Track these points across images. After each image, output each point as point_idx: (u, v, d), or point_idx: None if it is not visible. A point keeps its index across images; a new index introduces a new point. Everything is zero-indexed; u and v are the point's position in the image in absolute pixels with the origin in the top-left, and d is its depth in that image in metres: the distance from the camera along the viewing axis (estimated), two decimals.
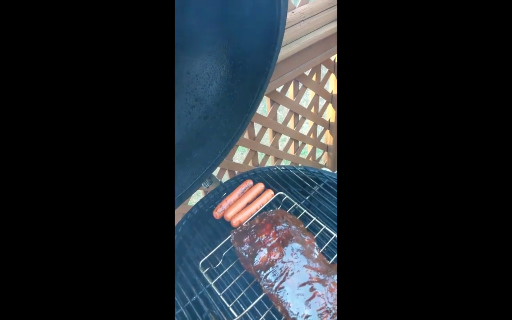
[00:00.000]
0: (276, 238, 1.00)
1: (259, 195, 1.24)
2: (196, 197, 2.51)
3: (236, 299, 0.99)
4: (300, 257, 0.96)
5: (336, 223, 1.15)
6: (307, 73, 1.89)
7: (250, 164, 1.99)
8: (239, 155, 3.07)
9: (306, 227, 1.09)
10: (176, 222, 1.25)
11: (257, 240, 1.01)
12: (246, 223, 1.11)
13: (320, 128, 2.28)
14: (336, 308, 0.87)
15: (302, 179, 1.31)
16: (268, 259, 0.97)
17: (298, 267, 0.94)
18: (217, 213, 1.19)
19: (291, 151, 2.20)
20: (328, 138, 2.39)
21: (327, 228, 1.11)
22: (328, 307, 0.87)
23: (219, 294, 0.99)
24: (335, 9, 1.72)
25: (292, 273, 0.93)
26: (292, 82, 1.86)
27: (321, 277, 0.93)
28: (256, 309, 0.95)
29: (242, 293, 1.00)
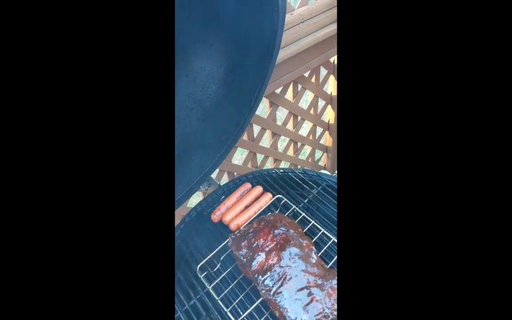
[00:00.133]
0: (274, 242, 1.00)
1: (257, 198, 1.23)
2: (196, 197, 2.50)
3: (234, 303, 0.98)
4: (298, 262, 0.95)
5: (334, 226, 1.14)
6: (306, 74, 1.88)
7: (249, 165, 1.98)
8: (239, 155, 3.06)
9: (304, 231, 1.09)
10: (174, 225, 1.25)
11: (255, 244, 1.00)
12: (244, 227, 1.10)
13: (319, 130, 2.28)
14: (334, 313, 0.86)
15: (300, 182, 1.30)
16: (266, 263, 0.96)
17: (296, 271, 0.93)
18: (215, 217, 1.18)
19: (290, 152, 2.19)
20: (328, 139, 2.38)
21: (325, 232, 1.10)
22: (326, 312, 0.87)
23: (217, 298, 0.99)
24: (334, 11, 1.71)
25: (290, 278, 0.93)
26: (291, 84, 1.86)
27: (319, 282, 0.92)
28: (254, 314, 0.95)
29: (240, 298, 0.99)
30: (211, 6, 1.12)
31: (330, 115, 2.25)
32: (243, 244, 1.01)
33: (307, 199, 1.25)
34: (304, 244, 0.99)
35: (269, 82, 1.32)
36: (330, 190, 1.26)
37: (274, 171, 1.37)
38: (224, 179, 1.96)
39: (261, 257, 0.97)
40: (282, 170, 1.36)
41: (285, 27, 1.58)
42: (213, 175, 1.53)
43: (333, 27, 1.72)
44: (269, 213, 1.14)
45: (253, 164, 2.01)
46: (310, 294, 0.90)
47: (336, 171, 2.52)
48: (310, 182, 1.30)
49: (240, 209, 1.20)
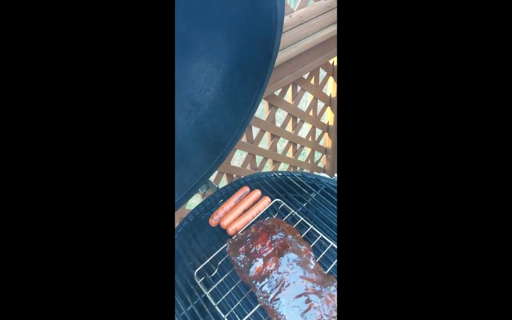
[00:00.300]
0: (272, 248, 0.98)
1: (255, 202, 1.22)
2: (196, 198, 2.48)
3: (232, 309, 0.96)
4: (296, 268, 0.94)
5: (333, 231, 1.13)
6: (305, 76, 1.87)
7: (248, 167, 1.97)
8: (238, 156, 3.04)
9: (303, 236, 1.07)
10: None
11: (253, 250, 0.99)
12: (242, 232, 1.08)
13: (318, 131, 2.26)
14: None
15: (299, 185, 1.29)
16: (264, 269, 0.94)
17: (294, 278, 0.92)
18: (213, 221, 1.17)
19: (289, 154, 2.17)
20: (327, 141, 2.36)
21: (324, 236, 1.09)
22: (324, 319, 0.85)
23: (214, 304, 0.97)
24: (333, 13, 1.69)
25: (288, 284, 0.91)
26: (291, 86, 1.84)
27: (317, 288, 0.90)
28: None
29: (238, 303, 0.98)
30: (209, 8, 1.10)
31: (329, 116, 2.23)
32: (240, 249, 1.00)
33: (306, 203, 1.23)
34: (303, 250, 0.98)
35: (268, 84, 1.30)
36: (329, 193, 1.24)
37: (272, 175, 1.35)
38: (223, 181, 1.94)
39: (259, 263, 0.95)
40: (280, 173, 1.34)
41: (284, 29, 1.57)
42: (212, 177, 1.52)
43: (332, 29, 1.70)
44: (267, 218, 1.12)
45: (252, 165, 2.00)
46: (308, 301, 0.88)
47: (335, 174, 2.50)
48: (308, 185, 1.28)
49: (238, 213, 1.18)
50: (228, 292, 1.00)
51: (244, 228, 1.13)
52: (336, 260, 1.03)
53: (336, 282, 0.91)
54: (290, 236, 1.01)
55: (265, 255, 0.97)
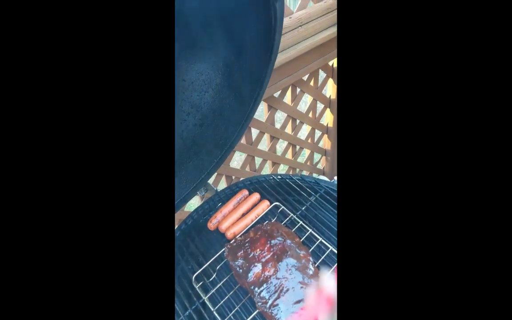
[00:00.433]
0: (271, 253, 0.96)
1: (254, 206, 1.20)
2: (195, 199, 2.47)
3: (230, 314, 0.95)
4: (295, 273, 0.92)
5: (332, 235, 1.11)
6: (305, 78, 1.85)
7: (247, 168, 1.95)
8: (238, 156, 3.03)
9: (302, 240, 1.05)
10: None
11: (251, 254, 0.97)
12: (241, 236, 1.07)
13: (318, 133, 2.24)
14: None
15: (298, 189, 1.27)
16: (262, 275, 0.93)
17: (293, 283, 0.90)
18: (211, 224, 1.15)
19: (289, 155, 2.16)
20: (326, 143, 2.35)
21: (323, 241, 1.07)
22: None
23: (212, 309, 0.95)
24: (332, 15, 1.67)
25: (287, 290, 0.89)
26: (290, 87, 1.82)
27: None
28: None
29: (236, 308, 0.96)
30: (208, 11, 1.09)
31: (328, 118, 2.21)
32: (239, 254, 0.98)
33: (305, 206, 1.22)
34: (302, 255, 0.96)
35: (268, 86, 1.29)
36: (328, 197, 1.23)
37: (271, 178, 1.33)
38: (222, 182, 1.93)
39: (257, 268, 0.94)
40: (279, 177, 1.33)
41: (283, 31, 1.55)
42: (211, 179, 1.50)
43: (332, 31, 1.68)
44: (266, 222, 1.10)
45: (251, 167, 1.98)
46: None
47: (334, 177, 2.49)
48: (308, 189, 1.26)
49: (237, 217, 1.17)
50: (227, 297, 0.99)
51: (243, 232, 1.11)
52: (335, 265, 1.01)
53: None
54: (289, 241, 0.99)
55: (263, 260, 0.95)
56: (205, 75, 1.29)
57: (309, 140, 2.22)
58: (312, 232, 1.10)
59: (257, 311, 0.92)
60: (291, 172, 2.24)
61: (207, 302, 0.97)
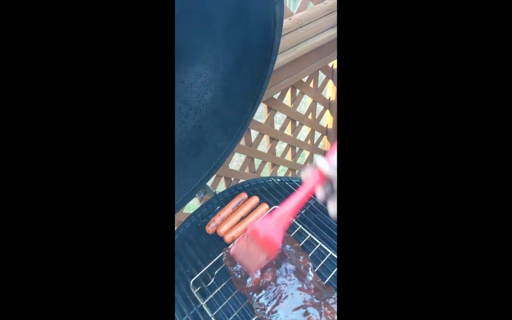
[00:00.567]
0: (270, 258, 0.94)
1: (253, 209, 1.18)
2: (194, 200, 2.44)
3: None
4: (294, 279, 0.90)
5: (332, 239, 1.09)
6: (304, 79, 1.83)
7: (246, 170, 1.93)
8: (237, 157, 3.01)
9: (301, 244, 1.03)
10: None
11: None
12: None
13: (317, 134, 2.22)
14: None
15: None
16: (261, 281, 0.90)
17: (292, 290, 0.88)
18: (209, 228, 1.13)
19: (288, 157, 2.14)
20: (326, 144, 2.33)
21: (322, 245, 1.05)
22: None
23: (210, 315, 0.93)
24: (332, 16, 1.65)
25: (286, 296, 0.87)
26: (290, 89, 1.80)
27: (316, 300, 0.87)
28: None
29: (234, 314, 0.94)
30: (208, 12, 1.07)
31: (328, 120, 2.19)
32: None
33: (304, 210, 1.19)
34: (301, 260, 0.94)
35: (267, 87, 1.26)
36: None
37: (270, 180, 1.31)
38: (221, 184, 1.90)
39: (256, 274, 0.92)
40: (279, 179, 1.31)
41: (283, 32, 1.53)
42: (210, 181, 1.48)
43: (332, 32, 1.66)
44: None
45: (251, 168, 1.96)
46: (306, 313, 0.84)
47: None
48: None
49: (236, 221, 1.14)
50: (225, 302, 0.96)
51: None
52: (335, 270, 0.99)
53: (335, 295, 0.88)
54: (288, 246, 0.97)
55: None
56: (204, 77, 1.27)
57: (309, 142, 2.20)
58: (312, 236, 1.08)
59: (256, 317, 0.90)
60: (290, 174, 2.22)
61: (205, 308, 0.95)
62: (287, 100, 1.85)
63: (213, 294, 0.98)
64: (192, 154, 1.34)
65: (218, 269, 1.02)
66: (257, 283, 0.90)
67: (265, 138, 1.91)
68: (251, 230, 0.69)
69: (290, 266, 0.92)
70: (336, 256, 1.01)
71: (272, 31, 1.04)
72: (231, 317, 0.93)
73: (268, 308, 0.86)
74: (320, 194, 0.64)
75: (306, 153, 2.28)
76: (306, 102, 2.07)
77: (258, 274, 0.91)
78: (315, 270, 0.96)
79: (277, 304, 0.86)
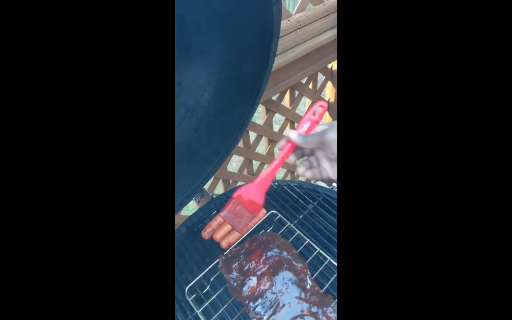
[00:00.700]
0: (267, 266, 0.91)
1: None
2: (193, 202, 2.40)
3: None
4: (292, 288, 0.87)
5: (330, 244, 1.06)
6: (303, 81, 1.80)
7: (245, 172, 1.90)
8: (236, 158, 2.98)
9: (299, 251, 1.00)
10: None
11: (246, 267, 0.92)
12: (235, 247, 1.01)
13: None
14: None
15: (296, 196, 1.22)
16: (258, 289, 0.88)
17: (289, 298, 0.85)
18: (205, 233, 1.10)
19: None
20: None
21: (321, 251, 1.02)
22: None
23: None
24: (332, 17, 1.62)
25: (283, 305, 0.84)
26: (288, 90, 1.77)
27: (314, 309, 0.84)
28: None
29: None
30: (204, 13, 1.04)
31: (327, 121, 2.16)
32: (233, 266, 0.93)
33: (303, 214, 1.17)
34: (299, 268, 0.91)
35: (266, 89, 1.24)
36: (326, 205, 1.17)
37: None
38: (219, 186, 1.88)
39: (252, 282, 0.89)
40: (276, 183, 1.28)
41: (282, 33, 1.50)
42: (208, 183, 1.45)
43: (331, 33, 1.63)
44: (262, 231, 1.05)
45: (249, 171, 1.93)
46: None
47: (333, 184, 2.43)
48: (306, 196, 1.21)
49: None
50: (221, 310, 0.94)
51: (238, 241, 1.06)
52: (333, 277, 0.96)
53: (333, 303, 0.85)
54: (285, 253, 0.94)
55: (259, 273, 0.90)
56: (201, 79, 1.24)
57: None
58: (310, 242, 1.05)
59: None
60: (289, 176, 2.19)
61: (200, 316, 0.92)
62: (286, 101, 1.82)
63: (208, 302, 0.95)
64: (188, 157, 1.31)
65: (214, 276, 0.99)
66: (253, 291, 0.87)
67: (264, 140, 1.88)
68: (237, 195, 0.84)
69: (287, 274, 0.89)
70: (335, 263, 0.98)
71: (269, 33, 1.01)
72: None
73: (265, 318, 0.83)
74: (292, 158, 0.83)
75: None
76: (305, 103, 2.04)
77: (254, 282, 0.89)
78: (313, 277, 0.94)
79: (273, 313, 0.83)
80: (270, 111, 1.74)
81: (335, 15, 1.63)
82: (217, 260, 0.98)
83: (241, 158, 1.85)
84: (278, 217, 1.13)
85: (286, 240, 1.00)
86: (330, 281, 0.96)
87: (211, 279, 0.98)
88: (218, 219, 1.12)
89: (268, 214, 1.14)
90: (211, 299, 0.95)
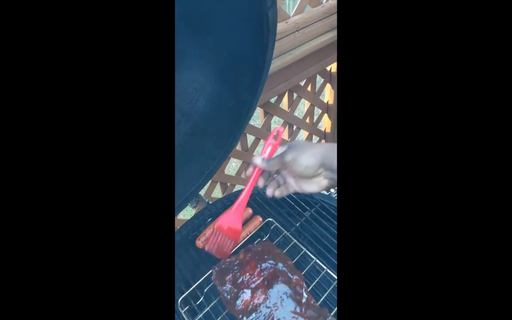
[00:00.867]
0: (261, 278, 0.88)
1: (247, 221, 1.11)
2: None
3: None
4: (287, 301, 0.83)
5: (327, 254, 1.02)
6: (302, 83, 1.76)
7: (243, 175, 1.86)
8: (235, 161, 2.94)
9: (294, 261, 0.97)
10: None
11: (240, 279, 0.88)
12: (230, 257, 0.98)
13: (315, 138, 2.15)
14: None
15: (292, 203, 1.18)
16: (252, 302, 0.84)
17: (284, 313, 0.82)
18: (200, 242, 1.06)
19: None
20: None
21: (317, 261, 0.99)
22: None
23: None
24: (330, 19, 1.58)
25: None
26: (287, 93, 1.73)
27: None
28: None
29: None
30: (200, 18, 1.00)
31: (326, 123, 2.12)
32: (227, 278, 0.89)
33: (299, 222, 1.13)
34: (294, 280, 0.88)
35: (264, 91, 1.20)
36: (323, 212, 1.14)
37: (264, 191, 1.24)
38: (217, 189, 1.84)
39: (246, 295, 0.85)
40: None
41: (280, 36, 1.46)
42: (205, 187, 1.42)
43: (330, 36, 1.59)
44: (257, 241, 1.02)
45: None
46: None
47: (331, 189, 2.40)
48: (302, 203, 1.18)
49: None
50: None
51: (232, 251, 1.02)
52: (330, 288, 0.92)
53: (329, 317, 0.81)
54: (280, 264, 0.90)
55: (253, 286, 0.86)
56: (197, 83, 1.20)
57: None
58: (307, 251, 1.01)
59: None
60: None
61: None
62: (284, 104, 1.78)
63: (202, 314, 0.91)
64: (184, 161, 1.27)
65: (208, 287, 0.96)
66: (247, 305, 0.84)
67: (262, 143, 1.84)
68: (217, 226, 0.92)
69: (282, 287, 0.85)
70: (332, 274, 0.95)
71: (265, 37, 0.97)
72: None
73: None
74: (260, 183, 0.88)
75: None
76: (304, 105, 2.00)
77: (248, 295, 0.85)
78: (309, 289, 0.90)
79: None
80: (268, 114, 1.70)
81: (333, 17, 1.59)
82: (210, 271, 0.94)
83: (239, 162, 1.81)
84: (274, 225, 1.09)
85: (282, 251, 0.97)
86: (327, 292, 0.92)
87: (205, 290, 0.95)
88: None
89: (263, 223, 1.10)
90: (205, 311, 0.92)
